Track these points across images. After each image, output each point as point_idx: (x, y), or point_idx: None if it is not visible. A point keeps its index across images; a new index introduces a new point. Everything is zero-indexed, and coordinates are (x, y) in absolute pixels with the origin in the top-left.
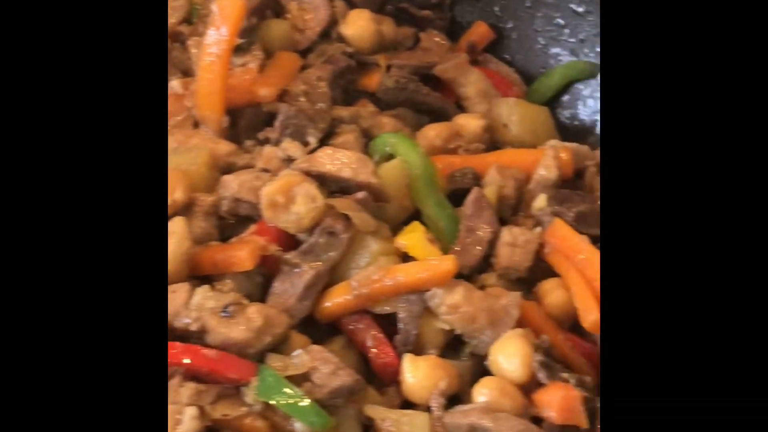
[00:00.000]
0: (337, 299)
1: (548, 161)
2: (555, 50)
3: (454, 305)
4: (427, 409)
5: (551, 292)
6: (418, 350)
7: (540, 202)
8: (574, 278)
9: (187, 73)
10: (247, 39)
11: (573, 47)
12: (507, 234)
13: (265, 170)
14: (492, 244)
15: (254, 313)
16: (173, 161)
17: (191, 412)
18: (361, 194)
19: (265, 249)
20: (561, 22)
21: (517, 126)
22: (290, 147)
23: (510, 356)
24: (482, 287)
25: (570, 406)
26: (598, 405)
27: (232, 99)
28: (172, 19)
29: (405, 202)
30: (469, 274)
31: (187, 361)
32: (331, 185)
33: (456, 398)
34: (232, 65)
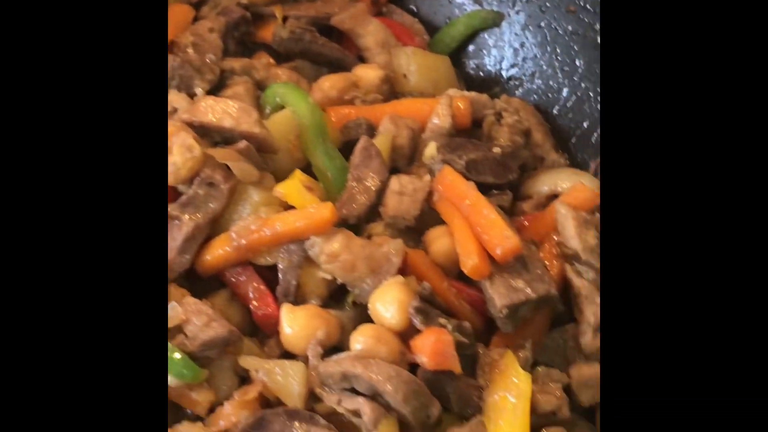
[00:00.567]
0: (217, 251)
1: (442, 109)
2: (459, 0)
3: (333, 253)
4: (307, 359)
5: (437, 239)
6: (300, 300)
7: (431, 150)
8: (459, 224)
9: None
10: None
11: None
12: (395, 182)
13: None
14: (380, 193)
15: None
16: None
17: None
18: (242, 144)
19: None
20: None
21: (416, 76)
22: (175, 98)
23: (387, 303)
24: (369, 236)
25: (441, 350)
26: (480, 351)
27: None
28: None
29: (296, 153)
30: (357, 224)
31: None
32: (215, 136)
33: (338, 349)
34: None
